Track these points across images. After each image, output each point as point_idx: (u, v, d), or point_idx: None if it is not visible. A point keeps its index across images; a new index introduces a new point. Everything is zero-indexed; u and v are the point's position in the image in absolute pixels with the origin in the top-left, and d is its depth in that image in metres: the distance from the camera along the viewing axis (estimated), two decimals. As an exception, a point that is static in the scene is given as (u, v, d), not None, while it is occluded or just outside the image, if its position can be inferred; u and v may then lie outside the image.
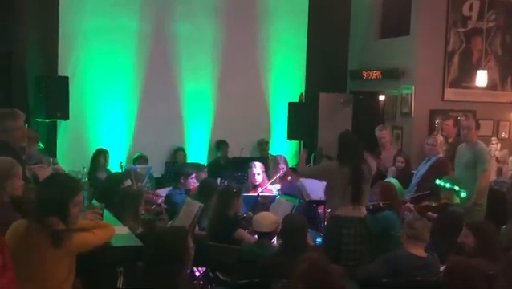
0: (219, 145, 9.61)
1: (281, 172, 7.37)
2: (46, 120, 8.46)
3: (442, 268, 4.13)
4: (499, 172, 8.68)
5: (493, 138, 9.04)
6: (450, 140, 8.07)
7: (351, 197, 5.03)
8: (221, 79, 9.78)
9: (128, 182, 5.61)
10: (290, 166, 7.89)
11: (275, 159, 7.72)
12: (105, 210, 4.02)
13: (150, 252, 3.34)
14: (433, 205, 5.76)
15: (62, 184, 3.19)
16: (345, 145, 5.19)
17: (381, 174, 7.28)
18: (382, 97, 10.15)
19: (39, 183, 3.49)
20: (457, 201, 5.85)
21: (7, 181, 3.48)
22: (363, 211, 5.12)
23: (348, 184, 5.02)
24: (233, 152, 9.35)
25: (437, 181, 5.96)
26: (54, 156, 7.52)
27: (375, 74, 10.00)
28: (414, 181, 7.24)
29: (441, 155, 7.25)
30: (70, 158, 7.99)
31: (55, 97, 8.34)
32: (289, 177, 7.35)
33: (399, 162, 7.59)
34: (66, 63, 8.73)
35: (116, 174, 7.03)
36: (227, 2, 9.85)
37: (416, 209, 5.65)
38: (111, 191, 5.03)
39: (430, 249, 4.47)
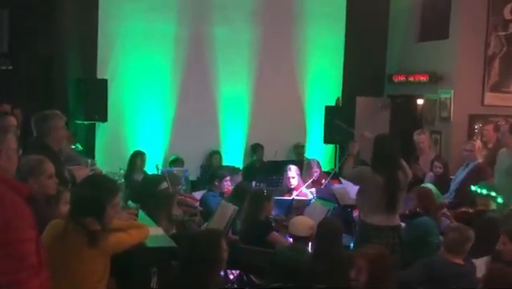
0: (254, 149, 9.61)
1: (314, 176, 7.33)
2: (85, 122, 8.61)
3: (479, 275, 4.05)
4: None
5: (534, 144, 8.81)
6: (490, 146, 7.90)
7: (385, 206, 4.88)
8: (257, 83, 9.80)
9: (165, 185, 5.66)
10: (323, 170, 7.85)
11: (309, 163, 7.69)
12: (140, 211, 4.06)
13: (185, 253, 3.35)
14: (470, 211, 5.65)
15: (101, 185, 3.21)
16: (380, 151, 4.99)
17: (419, 179, 7.17)
18: (420, 101, 10.02)
19: (77, 183, 3.53)
20: (494, 207, 5.73)
21: (31, 178, 3.53)
22: (396, 220, 4.98)
23: (382, 192, 4.86)
24: (269, 155, 9.35)
25: (473, 188, 5.84)
26: (93, 157, 7.63)
27: (414, 78, 9.87)
28: (452, 186, 7.12)
29: (480, 161, 7.11)
30: (108, 160, 8.10)
31: (94, 99, 8.50)
32: (323, 181, 7.31)
33: (436, 167, 7.46)
34: (105, 66, 8.88)
35: (152, 176, 7.11)
36: (263, 6, 9.86)
37: (453, 216, 5.54)
38: (146, 192, 5.08)
39: (467, 256, 4.38)
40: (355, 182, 5.39)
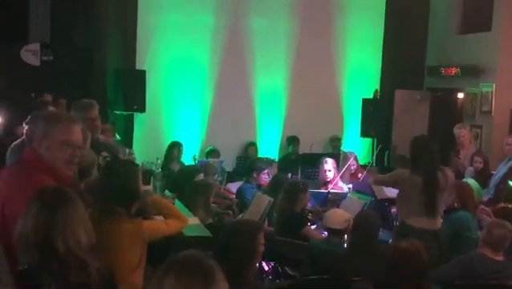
0: (290, 141, 9.58)
1: (351, 169, 7.27)
2: (124, 113, 8.72)
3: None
4: None
5: None
6: (532, 140, 7.71)
7: (424, 208, 4.78)
8: (294, 75, 9.75)
9: (201, 176, 5.70)
10: (360, 164, 7.78)
11: (346, 156, 7.63)
12: (177, 201, 4.09)
13: (222, 243, 3.36)
14: (509, 207, 5.53)
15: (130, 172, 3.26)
16: (418, 152, 4.89)
17: (459, 174, 7.05)
18: (461, 95, 9.84)
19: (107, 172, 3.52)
20: (533, 202, 5.60)
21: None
22: (438, 223, 4.88)
23: (421, 193, 4.77)
24: (305, 148, 9.31)
25: (511, 183, 5.71)
26: (131, 147, 7.72)
27: (454, 70, 9.70)
28: (492, 182, 6.98)
29: (522, 155, 6.95)
30: (145, 150, 8.17)
31: (133, 90, 8.60)
32: (359, 174, 7.25)
33: (477, 162, 7.32)
34: (143, 57, 8.96)
35: (189, 167, 7.17)
36: (302, -3, 9.81)
37: (492, 212, 5.44)
38: (183, 182, 5.12)
39: (507, 252, 4.30)
40: (394, 186, 5.30)
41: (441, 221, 4.93)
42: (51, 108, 6.83)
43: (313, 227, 5.62)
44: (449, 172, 5.06)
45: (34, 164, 2.71)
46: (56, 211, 2.33)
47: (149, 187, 4.65)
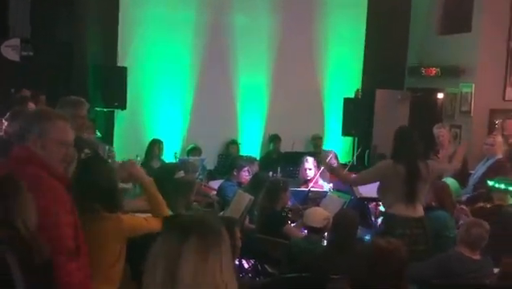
0: (272, 139, 9.60)
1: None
2: (104, 109, 8.67)
3: (496, 271, 4.01)
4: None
5: (554, 140, 8.70)
6: (511, 141, 7.80)
7: (406, 196, 4.85)
8: (276, 73, 9.77)
9: (181, 173, 5.66)
10: (341, 162, 7.80)
11: (325, 154, 7.64)
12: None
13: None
14: (487, 206, 5.59)
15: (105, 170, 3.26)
16: (401, 142, 4.97)
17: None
18: (440, 95, 9.93)
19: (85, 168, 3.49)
20: (511, 202, 5.66)
21: None
22: (420, 211, 4.94)
23: (403, 182, 4.83)
24: (286, 146, 9.33)
25: (490, 182, 5.77)
26: (111, 144, 7.68)
27: (435, 71, 9.78)
28: (471, 181, 7.05)
29: (500, 156, 7.03)
30: (126, 147, 8.15)
31: (113, 87, 8.56)
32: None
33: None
34: (124, 54, 8.92)
35: (169, 164, 7.12)
36: (284, -5, 9.83)
37: (470, 211, 5.49)
38: (163, 180, 5.07)
39: (484, 251, 4.35)
40: (375, 180, 5.33)
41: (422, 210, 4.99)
42: (31, 104, 6.78)
43: (293, 225, 5.64)
44: (430, 164, 5.11)
45: (26, 160, 2.71)
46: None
47: (129, 185, 4.63)
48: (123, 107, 8.65)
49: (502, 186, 5.68)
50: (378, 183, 5.17)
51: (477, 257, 4.27)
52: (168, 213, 3.47)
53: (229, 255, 1.80)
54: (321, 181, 7.08)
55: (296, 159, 7.82)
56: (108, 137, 8.40)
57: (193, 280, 1.69)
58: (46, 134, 2.73)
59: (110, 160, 4.89)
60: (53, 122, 2.77)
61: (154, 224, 3.28)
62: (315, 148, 9.65)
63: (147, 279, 1.75)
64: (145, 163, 7.48)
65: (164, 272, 1.71)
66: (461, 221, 5.16)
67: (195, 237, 1.74)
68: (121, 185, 3.78)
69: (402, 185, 4.84)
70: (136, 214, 3.41)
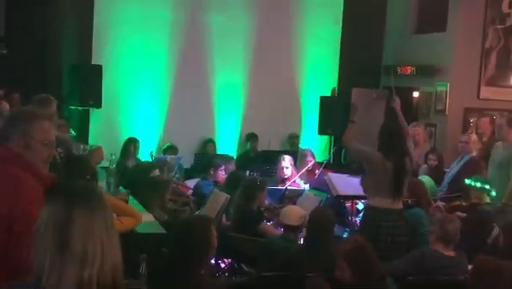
0: (249, 138, 9.58)
1: (308, 166, 7.32)
2: (80, 108, 8.58)
3: (470, 267, 4.05)
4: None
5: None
6: (485, 139, 7.90)
7: (393, 191, 4.89)
8: (252, 72, 9.75)
9: (157, 172, 5.64)
10: (318, 161, 7.83)
11: (303, 153, 7.67)
12: (131, 198, 4.04)
13: (174, 239, 3.35)
14: (464, 204, 5.65)
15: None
16: (389, 136, 4.99)
17: (414, 172, 7.16)
18: (416, 94, 10.00)
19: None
20: (487, 200, 5.73)
21: None
22: (400, 203, 5.00)
23: (390, 178, 4.87)
24: (263, 145, 9.33)
25: (467, 181, 5.84)
26: (86, 143, 7.60)
27: (410, 70, 9.85)
28: (446, 179, 7.12)
29: (475, 154, 7.11)
30: (101, 146, 8.06)
31: (89, 85, 8.47)
32: (316, 171, 7.30)
33: (431, 160, 7.47)
34: (100, 52, 8.82)
35: (145, 163, 7.10)
36: (261, -6, 9.83)
37: (446, 209, 5.55)
38: (138, 179, 5.06)
39: (459, 248, 4.38)
40: (359, 159, 5.31)
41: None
42: (4, 103, 6.68)
43: (269, 224, 5.64)
44: (412, 157, 5.16)
45: (7, 160, 2.66)
46: None
47: (103, 184, 4.59)
48: (98, 105, 8.57)
49: (478, 184, 5.75)
50: (365, 174, 5.17)
51: (450, 253, 4.30)
52: (141, 216, 3.42)
53: (113, 219, 1.88)
54: (298, 180, 7.09)
55: (273, 158, 7.83)
56: (83, 136, 8.31)
57: (83, 245, 1.76)
58: (30, 134, 2.69)
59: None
60: (37, 122, 2.74)
61: (128, 224, 3.24)
62: (292, 146, 9.66)
63: (38, 245, 1.81)
64: (120, 162, 7.43)
65: (53, 239, 1.77)
66: (437, 219, 5.20)
67: (81, 203, 1.81)
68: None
69: (388, 181, 4.88)
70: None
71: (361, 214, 5.68)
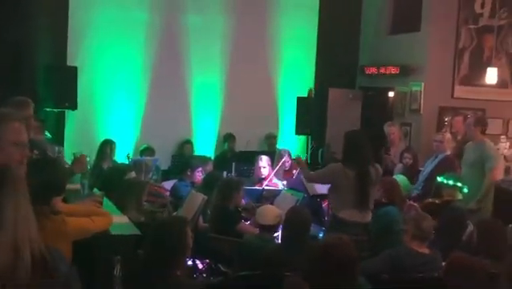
0: (226, 139, 9.59)
1: (285, 166, 7.35)
2: (55, 110, 8.51)
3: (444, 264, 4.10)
4: (507, 171, 8.60)
5: (502, 136, 8.95)
6: (459, 138, 8.00)
7: (356, 201, 4.88)
8: (229, 73, 9.76)
9: (133, 174, 5.60)
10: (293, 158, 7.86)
11: (280, 153, 7.71)
12: (106, 200, 4.02)
13: (149, 241, 3.35)
14: (437, 202, 5.71)
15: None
16: (351, 147, 4.98)
17: (389, 171, 7.24)
18: (391, 94, 10.09)
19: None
20: (460, 197, 5.81)
21: None
22: (369, 216, 4.99)
23: (353, 187, 4.86)
24: (241, 145, 9.34)
25: (440, 178, 5.90)
26: (62, 145, 7.54)
27: (385, 70, 9.94)
28: (421, 178, 7.21)
29: (449, 152, 7.21)
30: (77, 148, 7.91)
31: (64, 87, 8.40)
32: (294, 171, 7.33)
33: (406, 158, 7.55)
34: (75, 53, 8.76)
35: (121, 165, 7.06)
36: (237, -5, 9.83)
37: (420, 207, 5.60)
38: (114, 181, 5.02)
39: (433, 245, 4.43)
40: (325, 182, 5.36)
41: (371, 215, 5.04)
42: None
43: (247, 224, 5.65)
44: (379, 167, 5.19)
45: None
46: None
47: (77, 185, 4.56)
48: (73, 107, 8.51)
49: (451, 182, 5.82)
50: (330, 186, 5.21)
51: (425, 250, 4.34)
52: (110, 214, 3.41)
53: (27, 194, 2.16)
54: (275, 180, 7.12)
55: (250, 158, 7.85)
56: (59, 138, 8.25)
57: (14, 225, 2.06)
58: (1, 136, 2.67)
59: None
60: (8, 123, 2.71)
61: (100, 223, 3.23)
62: (270, 147, 9.70)
63: None
64: (96, 163, 7.38)
65: None
66: (411, 217, 5.25)
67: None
68: (69, 186, 3.72)
69: (352, 190, 4.87)
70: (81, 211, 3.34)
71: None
